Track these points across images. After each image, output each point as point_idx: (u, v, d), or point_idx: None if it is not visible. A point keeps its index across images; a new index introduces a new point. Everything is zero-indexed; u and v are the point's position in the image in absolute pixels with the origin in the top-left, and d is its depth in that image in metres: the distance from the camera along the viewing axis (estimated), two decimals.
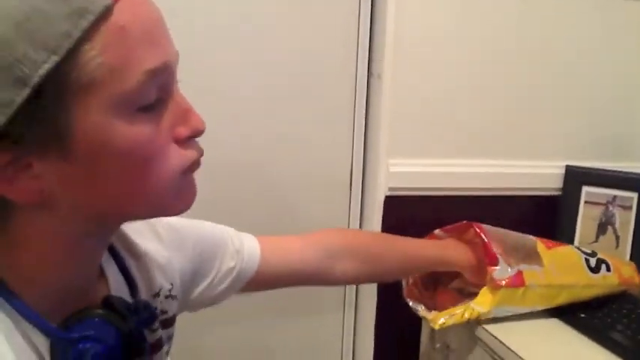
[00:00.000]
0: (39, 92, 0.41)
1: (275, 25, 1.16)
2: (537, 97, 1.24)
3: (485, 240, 0.95)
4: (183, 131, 0.50)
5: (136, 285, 0.61)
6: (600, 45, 1.26)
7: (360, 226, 1.28)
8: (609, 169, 1.21)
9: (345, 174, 1.26)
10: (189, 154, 0.51)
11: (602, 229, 1.20)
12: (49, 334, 0.49)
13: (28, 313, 0.48)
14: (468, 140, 1.22)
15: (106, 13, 0.42)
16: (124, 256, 0.62)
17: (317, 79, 1.20)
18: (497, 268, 0.92)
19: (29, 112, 0.41)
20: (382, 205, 1.19)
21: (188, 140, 0.51)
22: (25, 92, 0.41)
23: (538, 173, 1.25)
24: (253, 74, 1.16)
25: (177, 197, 0.52)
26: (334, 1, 1.19)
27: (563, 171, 1.25)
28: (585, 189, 1.22)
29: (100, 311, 0.52)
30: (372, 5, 1.20)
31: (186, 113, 0.50)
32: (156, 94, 0.47)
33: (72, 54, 0.41)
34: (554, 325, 0.96)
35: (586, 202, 1.21)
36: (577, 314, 0.97)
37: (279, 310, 1.27)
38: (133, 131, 0.45)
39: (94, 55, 0.42)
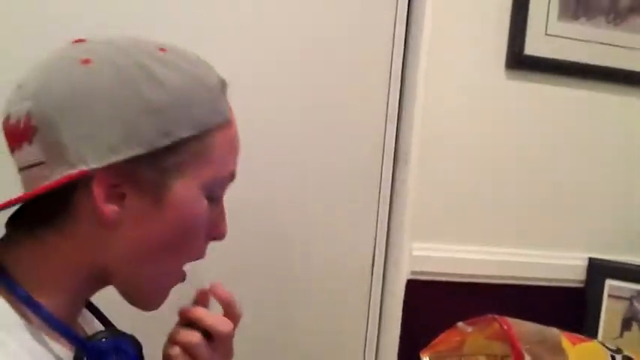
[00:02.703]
0: (170, 147, 0.53)
1: (297, 113, 1.18)
2: (562, 189, 1.26)
3: (512, 336, 0.94)
4: (215, 231, 0.61)
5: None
6: (623, 139, 1.28)
7: (381, 309, 1.26)
8: (634, 263, 1.20)
9: (368, 256, 1.26)
10: (202, 250, 0.62)
11: (626, 324, 1.18)
12: (79, 344, 0.53)
13: (55, 323, 0.52)
14: (492, 228, 1.23)
15: (229, 123, 0.58)
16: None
17: (343, 162, 1.22)
18: None
19: (155, 159, 0.53)
20: (404, 289, 1.19)
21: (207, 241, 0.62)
22: (165, 141, 0.52)
23: (561, 264, 1.25)
24: (276, 151, 1.18)
25: (160, 288, 0.60)
26: (362, 88, 1.21)
27: (586, 263, 1.25)
28: (609, 282, 1.20)
29: (118, 330, 0.59)
30: (400, 91, 1.23)
31: (222, 219, 0.62)
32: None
33: (204, 134, 0.55)
34: None
35: (609, 295, 1.20)
36: None
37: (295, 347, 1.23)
38: (204, 208, 0.58)
39: (212, 142, 0.56)
